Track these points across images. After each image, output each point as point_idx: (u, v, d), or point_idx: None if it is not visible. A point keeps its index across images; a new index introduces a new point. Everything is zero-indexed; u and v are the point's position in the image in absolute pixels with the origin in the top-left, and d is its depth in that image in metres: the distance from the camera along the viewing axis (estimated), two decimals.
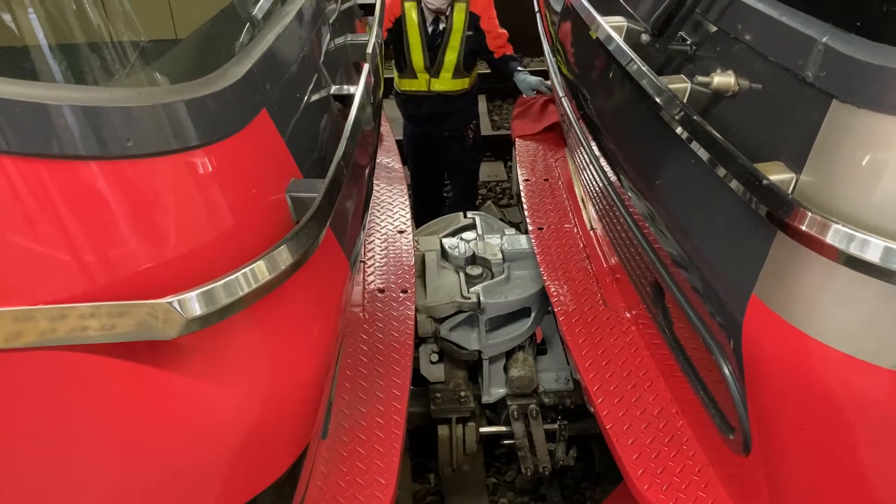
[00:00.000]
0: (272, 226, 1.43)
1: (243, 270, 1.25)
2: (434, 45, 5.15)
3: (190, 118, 1.25)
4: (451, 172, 5.77)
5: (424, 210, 5.46)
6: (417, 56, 5.16)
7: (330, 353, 1.74)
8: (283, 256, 1.31)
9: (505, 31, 5.25)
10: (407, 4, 5.07)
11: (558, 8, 3.37)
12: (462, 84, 5.29)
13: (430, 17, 5.09)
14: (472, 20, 5.11)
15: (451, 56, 5.16)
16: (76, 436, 1.26)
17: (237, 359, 1.43)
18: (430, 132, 5.48)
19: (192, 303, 1.19)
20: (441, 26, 5.09)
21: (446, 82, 5.25)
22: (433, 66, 5.20)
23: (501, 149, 7.01)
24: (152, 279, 1.20)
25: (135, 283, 1.18)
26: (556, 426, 3.51)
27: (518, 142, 4.56)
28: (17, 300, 1.08)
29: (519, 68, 5.18)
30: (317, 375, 1.67)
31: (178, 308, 1.17)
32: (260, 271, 1.27)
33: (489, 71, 5.44)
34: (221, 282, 1.22)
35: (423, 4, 5.03)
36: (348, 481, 2.32)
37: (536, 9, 3.98)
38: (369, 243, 3.50)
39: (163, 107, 1.22)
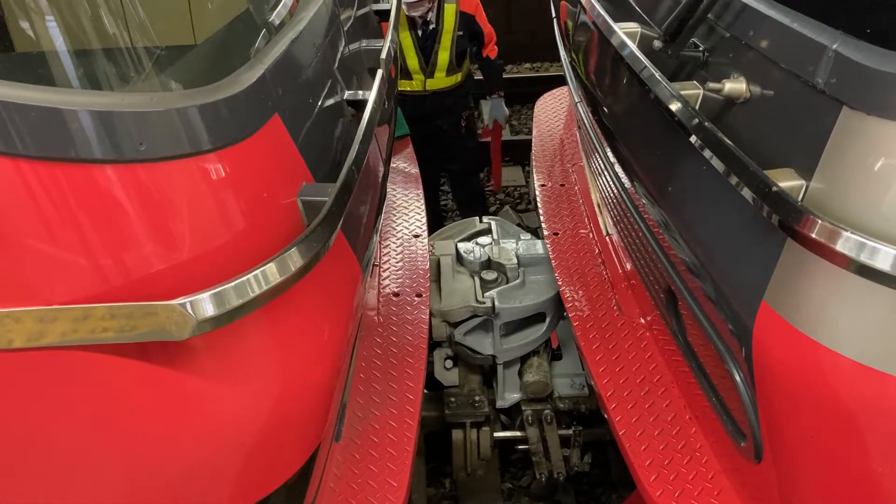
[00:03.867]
0: (283, 229, 1.45)
1: (254, 273, 1.26)
2: (426, 46, 5.30)
3: (202, 123, 1.27)
4: (449, 160, 5.88)
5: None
6: (412, 59, 5.32)
7: (341, 355, 1.75)
8: (294, 259, 1.33)
9: (492, 29, 5.43)
10: None
11: (574, 14, 3.38)
12: (455, 79, 5.49)
13: (419, 22, 5.21)
14: (464, 20, 5.26)
15: (443, 56, 5.34)
16: (87, 435, 1.28)
17: (248, 360, 1.45)
18: (428, 126, 5.60)
19: (203, 304, 1.20)
20: (431, 27, 5.23)
21: (441, 80, 5.44)
22: (427, 67, 5.37)
23: (520, 154, 7.00)
24: (164, 281, 1.22)
25: (146, 284, 1.20)
26: (570, 432, 3.50)
27: (535, 147, 4.55)
28: (30, 301, 1.10)
29: (495, 96, 5.60)
30: (327, 377, 1.68)
31: (190, 310, 1.19)
32: (270, 273, 1.29)
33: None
34: (232, 284, 1.24)
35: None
36: (360, 483, 2.34)
37: (553, 14, 3.98)
38: (384, 247, 3.52)
39: (175, 111, 1.23)
